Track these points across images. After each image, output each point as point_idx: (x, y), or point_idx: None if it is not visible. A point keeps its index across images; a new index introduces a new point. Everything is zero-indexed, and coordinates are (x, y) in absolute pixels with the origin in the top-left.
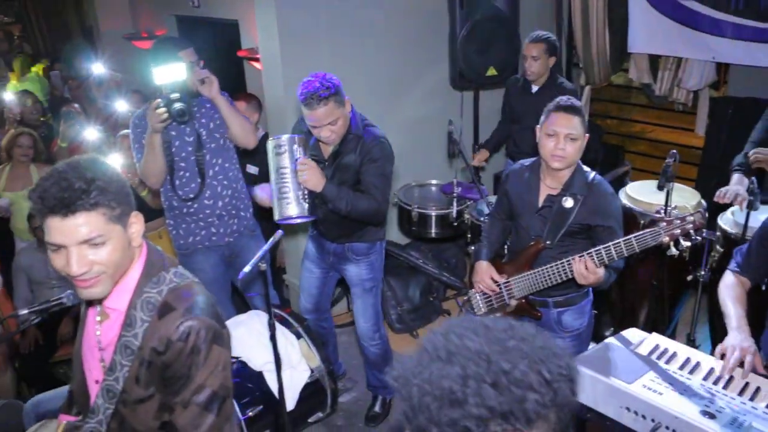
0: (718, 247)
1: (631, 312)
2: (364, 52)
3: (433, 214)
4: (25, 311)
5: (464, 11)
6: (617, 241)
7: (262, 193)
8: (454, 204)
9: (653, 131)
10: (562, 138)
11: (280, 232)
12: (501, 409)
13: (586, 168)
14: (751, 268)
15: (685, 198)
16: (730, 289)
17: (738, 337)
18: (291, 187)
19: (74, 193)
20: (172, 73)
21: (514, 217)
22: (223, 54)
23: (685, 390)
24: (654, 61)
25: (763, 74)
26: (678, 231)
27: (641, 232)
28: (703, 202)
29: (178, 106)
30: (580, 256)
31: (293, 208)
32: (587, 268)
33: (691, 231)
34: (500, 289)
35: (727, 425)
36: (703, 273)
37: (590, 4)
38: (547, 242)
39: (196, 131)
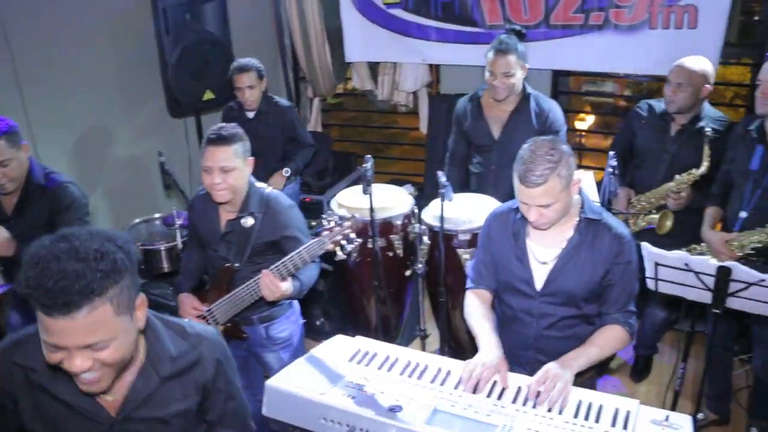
0: (426, 239)
1: (363, 315)
2: (67, 91)
3: (161, 248)
4: None
5: (171, 37)
6: (290, 255)
7: None
8: (178, 235)
9: (397, 134)
10: (215, 172)
11: None
12: None
13: (260, 184)
14: (483, 277)
15: (391, 199)
16: (474, 308)
17: (483, 354)
18: None
19: None
20: None
21: (203, 245)
22: None
23: (378, 388)
24: (373, 67)
25: (467, 71)
26: (339, 237)
27: (309, 243)
28: (412, 199)
29: None
30: (269, 269)
31: None
32: (272, 283)
33: (350, 234)
34: (203, 318)
35: (412, 414)
36: (419, 266)
37: (307, 18)
38: (236, 264)
39: None
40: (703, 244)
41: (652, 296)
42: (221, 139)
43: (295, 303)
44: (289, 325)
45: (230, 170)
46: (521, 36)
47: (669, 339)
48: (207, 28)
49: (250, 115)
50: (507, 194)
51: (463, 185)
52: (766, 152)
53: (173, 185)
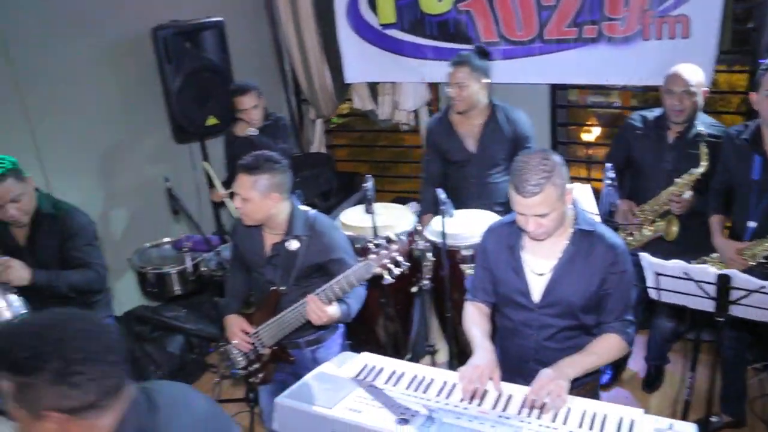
0: (429, 255)
1: (372, 333)
2: (73, 123)
3: (172, 271)
4: None
5: (173, 65)
6: (337, 278)
7: None
8: (188, 259)
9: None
10: (237, 197)
11: None
12: None
13: (304, 207)
14: (480, 291)
15: (393, 217)
16: (470, 317)
17: (476, 357)
18: None
19: None
20: None
21: (248, 268)
22: None
23: (385, 402)
24: (373, 88)
25: None
26: (387, 260)
27: (356, 267)
28: (414, 217)
29: None
30: (314, 294)
31: (6, 313)
32: (318, 308)
33: (398, 258)
34: (253, 340)
35: (419, 427)
36: (425, 282)
37: (306, 42)
38: (282, 288)
39: None
40: (713, 254)
41: (659, 307)
42: (243, 167)
43: (341, 326)
44: (335, 348)
45: (246, 200)
46: (485, 54)
47: (680, 349)
48: (207, 56)
49: (251, 131)
50: (491, 204)
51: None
52: (765, 161)
53: (181, 210)
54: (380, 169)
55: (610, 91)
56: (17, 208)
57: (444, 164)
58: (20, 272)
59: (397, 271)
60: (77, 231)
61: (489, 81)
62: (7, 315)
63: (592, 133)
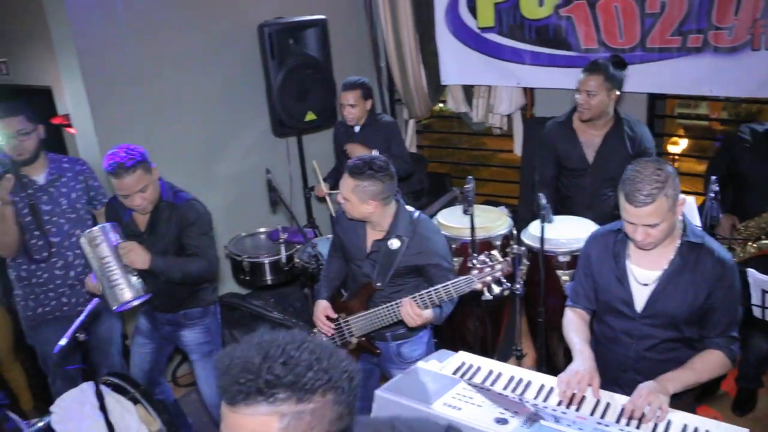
0: (525, 260)
1: (460, 334)
2: (180, 111)
3: (266, 261)
4: None
5: (276, 61)
6: (437, 287)
7: (91, 281)
8: (282, 249)
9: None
10: (341, 197)
11: (95, 300)
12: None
13: (409, 208)
14: (581, 297)
15: (490, 219)
16: (570, 323)
17: (576, 363)
18: (119, 273)
19: None
20: None
21: (347, 259)
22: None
23: (483, 401)
24: (468, 90)
25: (561, 94)
26: (489, 278)
27: (457, 280)
28: (510, 220)
29: None
30: (410, 297)
31: (128, 293)
32: (414, 311)
33: (501, 278)
34: (339, 327)
35: (518, 427)
36: (518, 287)
37: (403, 43)
38: (378, 284)
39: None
40: None
41: (757, 326)
42: (348, 168)
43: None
44: (421, 345)
45: (346, 199)
46: (621, 65)
47: None
48: (309, 53)
49: (357, 129)
50: (601, 216)
51: (553, 208)
52: None
53: (280, 202)
54: (462, 172)
55: (698, 103)
56: (143, 198)
57: (557, 169)
58: (140, 256)
59: (497, 290)
60: (195, 220)
61: (619, 93)
62: (128, 295)
63: (679, 145)
